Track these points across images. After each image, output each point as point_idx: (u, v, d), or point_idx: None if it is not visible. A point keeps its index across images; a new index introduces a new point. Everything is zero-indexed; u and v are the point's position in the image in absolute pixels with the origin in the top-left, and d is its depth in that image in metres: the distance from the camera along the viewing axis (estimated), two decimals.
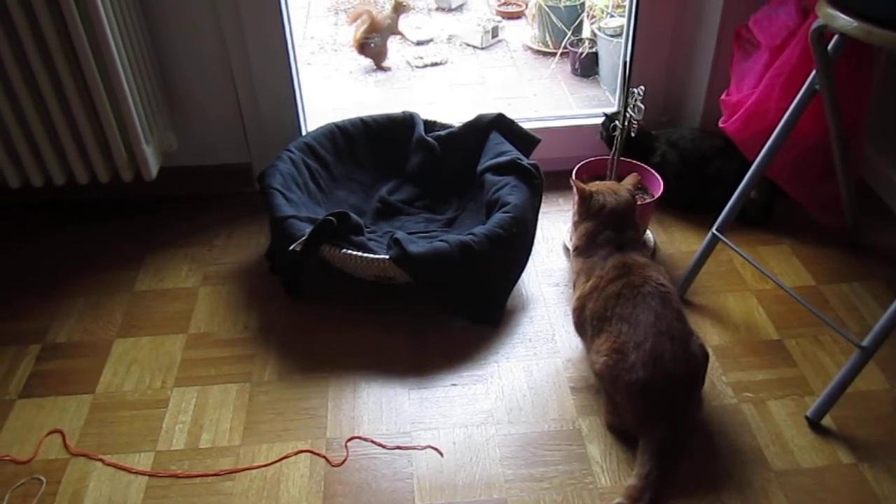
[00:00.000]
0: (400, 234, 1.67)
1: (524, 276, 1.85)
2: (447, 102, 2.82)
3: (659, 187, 1.86)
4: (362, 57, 3.11)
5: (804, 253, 1.94)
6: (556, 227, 2.05)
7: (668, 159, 2.00)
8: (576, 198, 1.59)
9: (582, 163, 1.92)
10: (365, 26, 3.04)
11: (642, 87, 1.74)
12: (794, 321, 1.73)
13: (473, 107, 2.69)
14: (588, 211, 1.56)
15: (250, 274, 1.91)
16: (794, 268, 1.90)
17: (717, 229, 1.71)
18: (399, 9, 3.11)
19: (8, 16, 1.62)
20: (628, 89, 1.71)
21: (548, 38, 3.08)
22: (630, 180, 1.60)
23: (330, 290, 1.83)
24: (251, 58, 1.98)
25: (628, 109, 1.74)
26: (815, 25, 1.43)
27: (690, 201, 2.04)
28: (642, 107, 1.73)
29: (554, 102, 2.76)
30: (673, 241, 1.98)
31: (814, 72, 1.53)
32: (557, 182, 2.05)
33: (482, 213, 1.86)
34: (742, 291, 1.83)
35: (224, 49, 1.97)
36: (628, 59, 1.67)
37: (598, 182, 1.61)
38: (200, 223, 2.09)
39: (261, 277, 1.88)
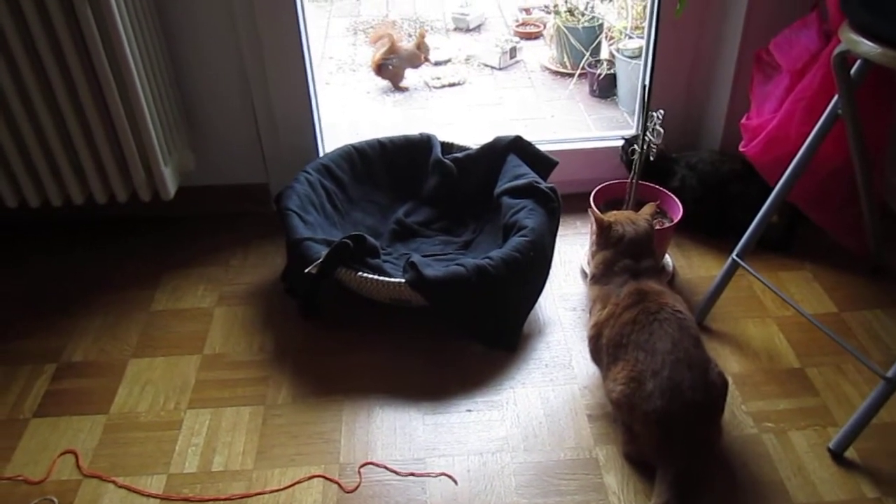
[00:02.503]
0: (416, 258, 1.66)
1: (541, 299, 1.83)
2: (465, 123, 2.82)
3: (678, 212, 1.84)
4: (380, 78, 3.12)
5: (826, 278, 1.91)
6: (573, 250, 2.03)
7: (687, 183, 1.98)
8: (594, 226, 1.57)
9: (600, 186, 1.90)
10: (384, 48, 3.05)
11: (661, 111, 1.72)
12: (816, 349, 1.70)
13: (491, 128, 2.70)
14: (606, 241, 1.54)
15: (266, 295, 1.91)
16: (816, 294, 1.87)
17: (737, 255, 1.69)
18: (423, 47, 3.12)
19: (29, 36, 1.63)
20: (647, 113, 1.70)
21: (566, 58, 3.08)
22: (648, 209, 1.58)
23: (345, 313, 1.82)
24: (269, 79, 1.99)
25: (647, 133, 1.72)
26: (837, 51, 1.41)
27: (710, 225, 2.02)
28: (661, 130, 1.72)
29: (572, 124, 2.75)
30: (692, 266, 1.96)
31: (836, 97, 1.51)
32: (575, 205, 2.04)
33: (499, 236, 1.85)
34: (762, 318, 1.80)
35: (242, 70, 1.98)
36: (647, 82, 1.66)
37: (615, 212, 1.59)
38: (217, 243, 2.09)
39: (276, 298, 1.88)
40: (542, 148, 2.04)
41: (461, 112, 2.91)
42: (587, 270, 1.93)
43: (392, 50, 3.05)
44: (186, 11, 1.89)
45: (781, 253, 1.98)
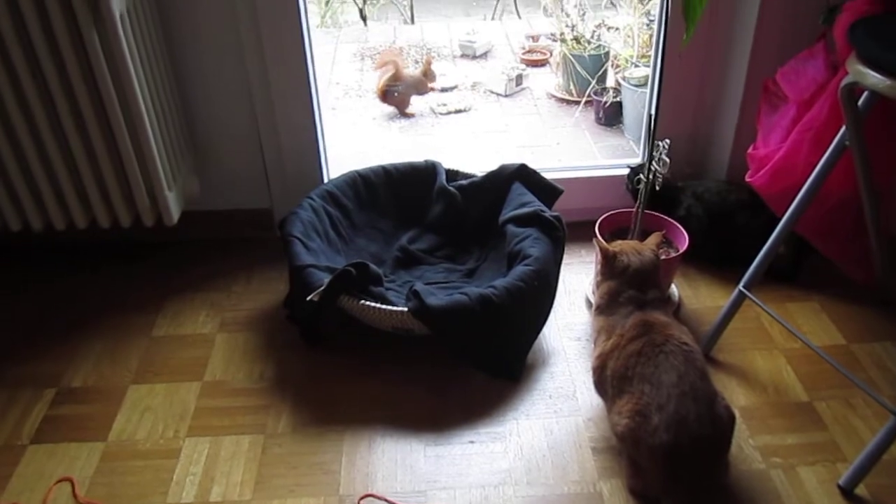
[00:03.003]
0: (419, 286, 1.64)
1: (545, 329, 1.81)
2: (470, 150, 2.82)
3: (684, 242, 1.83)
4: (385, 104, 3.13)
5: (834, 310, 1.88)
6: (578, 279, 2.01)
7: (693, 213, 1.97)
8: (599, 256, 1.56)
9: (605, 215, 1.89)
10: (388, 75, 3.06)
11: (667, 141, 1.71)
12: (825, 382, 1.68)
13: (496, 155, 2.70)
14: (611, 271, 1.53)
15: (268, 321, 1.89)
16: (824, 325, 1.84)
17: (744, 286, 1.67)
18: (429, 74, 3.13)
19: (35, 59, 1.64)
20: (653, 142, 1.69)
21: (572, 86, 3.08)
22: (654, 239, 1.57)
23: (347, 340, 1.80)
24: (275, 105, 1.99)
25: (653, 163, 1.71)
26: (845, 82, 1.41)
27: (716, 255, 2.00)
28: (667, 160, 1.71)
29: (577, 151, 2.74)
30: (698, 296, 1.94)
31: (843, 128, 1.50)
32: (580, 233, 2.02)
33: (503, 265, 1.84)
34: (770, 350, 1.78)
35: (248, 95, 1.98)
36: (653, 111, 1.65)
37: (621, 242, 1.58)
38: (220, 268, 2.08)
39: (278, 325, 1.86)
40: (548, 176, 2.03)
41: (467, 139, 2.91)
42: (592, 300, 1.91)
43: (397, 76, 3.06)
44: (192, 36, 1.89)
45: (788, 284, 1.96)
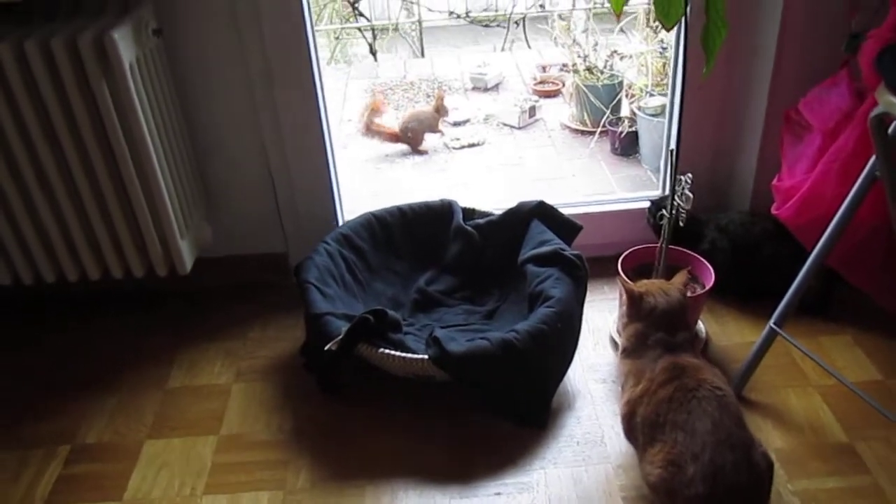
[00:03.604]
0: (439, 333, 1.60)
1: (569, 371, 1.76)
2: (485, 185, 2.78)
3: (710, 277, 1.77)
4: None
5: (869, 343, 1.82)
6: (602, 317, 1.96)
7: (718, 246, 1.92)
8: (624, 297, 1.51)
9: (628, 252, 1.84)
10: (369, 111, 3.06)
11: (690, 175, 1.67)
12: (864, 421, 1.61)
13: (512, 189, 2.67)
14: (638, 312, 1.47)
15: (285, 370, 1.85)
16: (859, 360, 1.78)
17: (774, 323, 1.61)
18: (441, 109, 3.11)
19: (45, 111, 1.62)
20: (675, 177, 1.65)
21: (586, 116, 3.05)
22: (680, 278, 1.52)
23: (367, 388, 1.75)
24: (287, 147, 1.97)
25: (676, 198, 1.67)
26: (874, 113, 1.36)
27: (743, 289, 1.95)
28: (690, 195, 1.66)
29: (594, 183, 2.70)
30: (726, 333, 1.88)
31: (873, 158, 1.45)
32: (602, 269, 1.97)
33: (524, 306, 1.79)
34: (804, 387, 1.71)
35: (260, 139, 1.96)
36: (675, 146, 1.61)
37: (646, 282, 1.53)
38: (235, 315, 2.05)
39: (295, 374, 1.82)
40: (567, 211, 1.99)
41: (481, 173, 2.87)
42: (616, 339, 1.87)
43: (410, 119, 3.03)
44: (203, 81, 1.88)
45: (820, 317, 1.89)
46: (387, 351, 1.58)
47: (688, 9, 1.47)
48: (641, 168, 2.77)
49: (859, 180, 1.48)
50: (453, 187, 2.75)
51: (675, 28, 1.59)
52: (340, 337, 1.57)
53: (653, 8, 1.51)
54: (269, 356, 1.90)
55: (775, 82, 1.86)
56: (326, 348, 1.57)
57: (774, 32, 1.81)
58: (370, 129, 3.09)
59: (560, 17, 3.42)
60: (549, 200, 1.97)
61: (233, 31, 1.81)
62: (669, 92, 2.03)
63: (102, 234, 1.78)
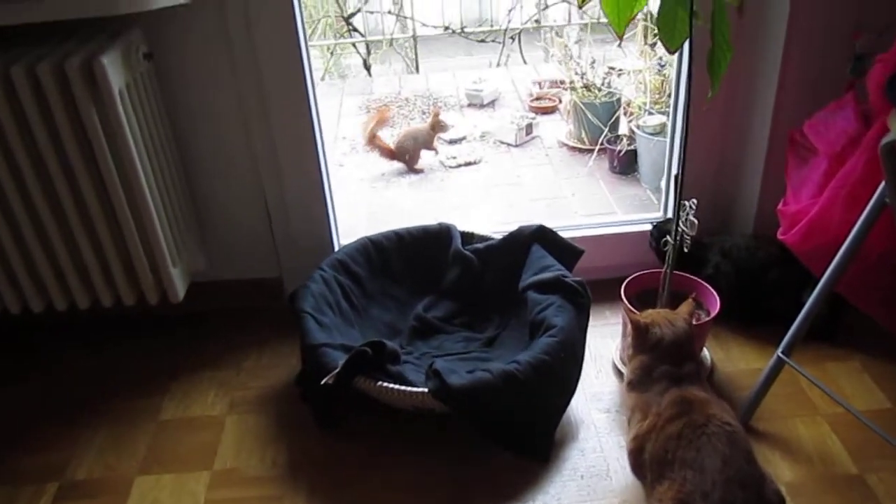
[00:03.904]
0: (439, 364, 1.55)
1: (572, 401, 1.71)
2: (483, 205, 2.74)
3: (715, 304, 1.74)
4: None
5: (877, 370, 1.78)
6: (604, 343, 1.92)
7: (722, 270, 1.88)
8: (628, 327, 1.47)
9: (630, 278, 1.80)
10: (374, 122, 3.02)
11: (694, 200, 1.64)
12: (874, 451, 1.57)
13: (510, 209, 2.63)
14: (643, 344, 1.43)
15: (280, 400, 1.80)
16: (867, 387, 1.74)
17: (782, 352, 1.57)
18: (437, 127, 3.07)
19: (32, 138, 1.57)
20: (679, 202, 1.61)
21: (584, 134, 3.02)
22: (686, 308, 1.48)
23: (364, 421, 1.71)
24: (282, 169, 1.93)
25: (680, 224, 1.63)
26: (886, 140, 1.32)
27: (747, 314, 1.91)
28: (695, 221, 1.63)
29: (593, 202, 2.67)
30: (731, 359, 1.84)
31: (882, 185, 1.42)
32: (604, 293, 1.93)
33: (525, 332, 1.75)
34: (812, 416, 1.67)
35: (253, 162, 1.92)
36: (678, 171, 1.57)
37: (651, 311, 1.49)
38: (229, 343, 2.00)
39: (291, 405, 1.77)
40: (567, 234, 1.95)
41: (478, 192, 2.84)
42: (619, 366, 1.83)
43: (406, 137, 3.00)
44: (194, 105, 1.84)
45: (827, 342, 1.86)
46: (385, 384, 1.53)
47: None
48: (641, 187, 2.74)
49: (868, 207, 1.45)
50: (450, 208, 2.71)
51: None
52: (337, 370, 1.53)
53: (656, 30, 1.48)
54: (263, 386, 1.85)
55: (779, 104, 1.83)
56: (323, 382, 1.53)
57: (778, 55, 1.78)
58: (372, 142, 3.05)
59: (557, 33, 3.39)
60: (549, 222, 1.94)
61: (225, 53, 1.77)
62: (671, 115, 2.00)
63: (92, 262, 1.73)
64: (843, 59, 1.69)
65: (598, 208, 2.63)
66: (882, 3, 1.69)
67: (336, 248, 2.09)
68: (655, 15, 1.46)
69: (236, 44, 1.76)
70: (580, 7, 1.47)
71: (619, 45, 2.81)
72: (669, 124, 2.02)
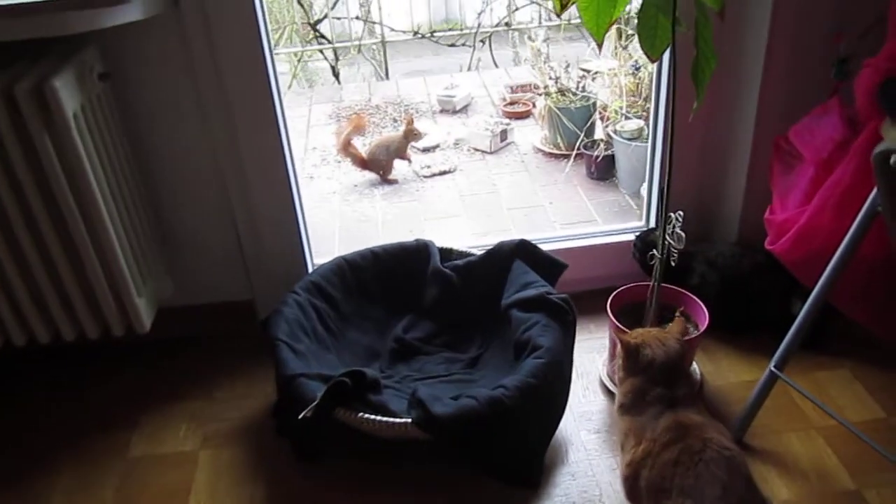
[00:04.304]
0: (422, 393, 1.48)
1: (560, 422, 1.65)
2: (459, 215, 2.67)
3: (704, 317, 1.69)
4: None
5: (869, 378, 1.75)
6: (590, 359, 1.86)
7: (707, 280, 1.84)
8: (618, 348, 1.41)
9: (616, 292, 1.75)
10: (350, 128, 2.95)
11: (681, 213, 1.58)
12: (872, 465, 1.53)
13: (487, 219, 2.57)
14: (634, 366, 1.38)
15: (256, 432, 1.72)
16: (859, 396, 1.71)
17: (775, 366, 1.53)
18: (410, 135, 2.99)
19: None
20: (666, 215, 1.56)
21: (559, 139, 2.96)
22: (677, 326, 1.43)
23: (345, 452, 1.63)
24: (250, 186, 1.85)
25: (667, 237, 1.58)
26: (879, 149, 1.28)
27: (733, 323, 1.87)
28: (682, 234, 1.58)
29: (572, 210, 2.61)
30: (720, 371, 1.80)
31: (874, 192, 1.38)
32: (587, 305, 1.87)
33: (509, 352, 1.69)
34: (806, 430, 1.63)
35: (221, 180, 1.84)
36: (665, 185, 1.52)
37: (642, 331, 1.43)
38: (200, 370, 1.91)
39: (267, 436, 1.69)
40: (547, 247, 1.89)
41: (454, 203, 2.76)
42: (607, 383, 1.78)
43: (378, 147, 2.92)
44: (157, 124, 1.76)
45: (817, 350, 1.82)
46: (367, 416, 1.46)
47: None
48: (619, 193, 2.69)
49: (860, 215, 1.40)
50: (426, 220, 2.64)
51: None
52: (315, 403, 1.45)
53: (637, 37, 1.42)
54: (238, 417, 1.77)
55: (762, 109, 1.79)
56: (300, 417, 1.45)
57: (760, 59, 1.74)
58: (346, 149, 2.97)
59: (529, 37, 3.34)
60: (528, 232, 1.89)
61: (186, 68, 1.69)
62: (651, 122, 1.95)
63: (51, 295, 1.63)
64: (825, 63, 1.65)
65: (577, 216, 2.57)
66: (863, 4, 1.65)
67: (309, 266, 2.01)
68: (635, 20, 1.41)
69: (197, 57, 1.68)
70: (558, 15, 1.40)
71: (599, 54, 2.74)
72: (650, 132, 1.97)
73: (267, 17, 1.73)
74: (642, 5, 1.42)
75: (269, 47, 1.75)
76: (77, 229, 1.55)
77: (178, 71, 1.70)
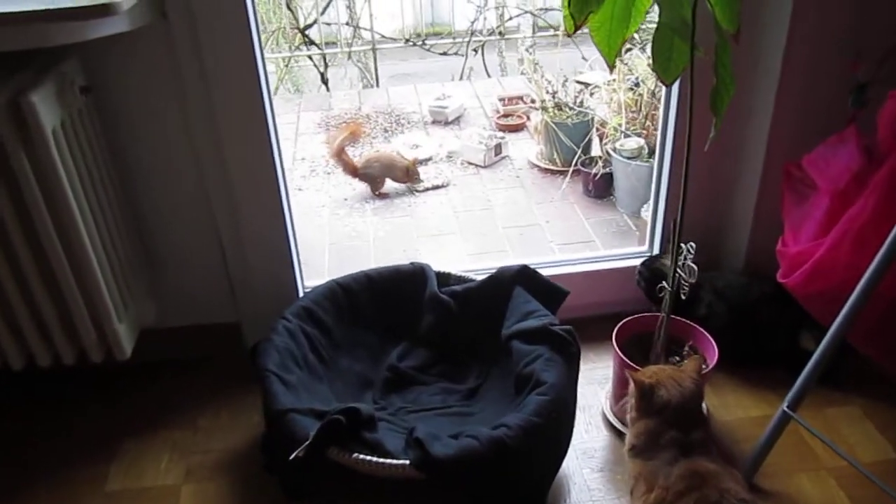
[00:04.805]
0: (420, 432, 1.40)
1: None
2: (454, 234, 2.58)
3: (713, 352, 1.62)
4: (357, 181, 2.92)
5: (880, 416, 1.69)
6: (591, 391, 1.79)
7: (715, 310, 1.77)
8: (631, 388, 1.34)
9: (621, 323, 1.68)
10: (345, 135, 2.87)
11: (692, 244, 1.52)
12: None
13: (482, 238, 2.49)
14: (648, 407, 1.31)
15: (242, 466, 1.63)
16: (870, 435, 1.65)
17: (788, 406, 1.46)
18: (410, 174, 2.89)
19: None
20: (677, 248, 1.49)
21: (556, 155, 2.90)
22: (693, 365, 1.36)
23: (338, 490, 1.54)
24: (237, 202, 1.76)
25: (678, 270, 1.51)
26: None
27: (740, 355, 1.80)
28: (694, 267, 1.51)
29: (569, 230, 2.54)
30: (727, 407, 1.73)
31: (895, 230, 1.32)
32: (589, 333, 1.77)
33: (508, 384, 1.61)
34: (817, 471, 1.57)
35: (206, 196, 1.75)
36: (679, 218, 1.45)
37: (655, 369, 1.37)
38: (183, 396, 1.82)
39: (254, 470, 1.60)
40: (547, 272, 1.82)
41: (448, 220, 2.68)
42: (611, 418, 1.71)
43: (373, 160, 2.83)
44: (141, 139, 1.67)
45: (830, 386, 1.75)
46: (362, 456, 1.38)
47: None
48: (618, 212, 2.62)
49: (882, 250, 1.34)
50: (419, 237, 2.56)
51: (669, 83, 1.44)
52: (308, 442, 1.37)
53: (635, 49, 1.36)
54: (223, 448, 1.68)
55: (773, 136, 1.73)
56: (292, 457, 1.36)
57: (773, 84, 1.68)
58: (339, 155, 2.88)
59: (528, 50, 3.27)
60: (525, 253, 1.83)
61: (172, 80, 1.60)
62: (658, 148, 1.87)
63: (26, 319, 1.54)
64: (841, 90, 1.59)
65: (574, 236, 2.50)
66: (882, 30, 1.60)
67: (299, 286, 1.92)
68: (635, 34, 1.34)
69: (185, 70, 1.59)
70: (570, 35, 1.33)
71: (611, 73, 2.68)
72: (657, 156, 1.89)
73: (260, 28, 1.65)
74: (658, 27, 1.35)
75: (262, 60, 1.67)
76: (54, 251, 1.46)
77: (164, 84, 1.61)
